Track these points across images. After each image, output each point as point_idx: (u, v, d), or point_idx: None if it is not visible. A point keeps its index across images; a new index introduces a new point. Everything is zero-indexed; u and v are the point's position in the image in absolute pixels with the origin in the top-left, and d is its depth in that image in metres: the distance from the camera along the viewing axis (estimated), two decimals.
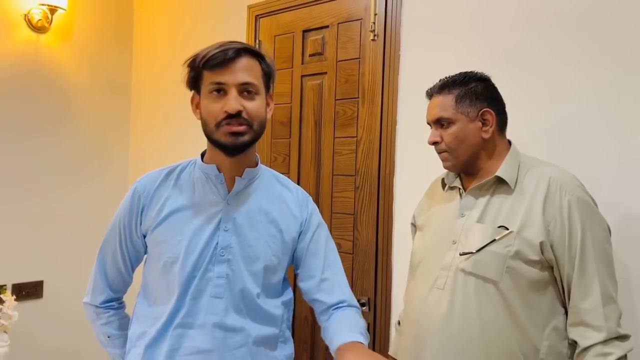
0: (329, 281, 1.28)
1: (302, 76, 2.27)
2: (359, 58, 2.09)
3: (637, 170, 1.47)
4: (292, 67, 2.29)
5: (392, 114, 1.98)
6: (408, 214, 1.66)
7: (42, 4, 2.58)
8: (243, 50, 1.18)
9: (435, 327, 1.29)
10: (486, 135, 1.33)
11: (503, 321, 1.23)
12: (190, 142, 2.63)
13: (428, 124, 1.40)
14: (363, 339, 1.14)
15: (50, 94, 2.72)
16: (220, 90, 1.16)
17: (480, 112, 1.33)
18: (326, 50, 2.20)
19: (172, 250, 1.20)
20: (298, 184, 2.24)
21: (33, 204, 2.66)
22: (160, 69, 2.90)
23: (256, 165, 1.29)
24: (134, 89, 3.07)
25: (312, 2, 2.22)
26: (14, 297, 2.33)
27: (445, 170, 1.48)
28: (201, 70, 1.18)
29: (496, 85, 1.38)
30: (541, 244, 1.22)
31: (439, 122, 1.35)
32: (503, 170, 1.31)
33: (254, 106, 1.18)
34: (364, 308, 2.03)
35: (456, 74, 1.36)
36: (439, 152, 1.37)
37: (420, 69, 1.91)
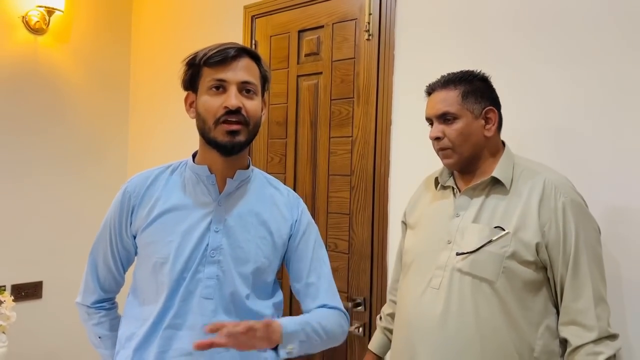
0: (314, 286, 1.29)
1: (298, 76, 2.27)
2: (353, 58, 2.09)
3: (626, 168, 1.47)
4: (287, 68, 2.29)
5: (387, 113, 1.98)
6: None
7: (40, 6, 2.59)
8: (244, 51, 1.20)
9: (430, 327, 1.29)
10: (489, 134, 1.34)
11: (499, 321, 1.24)
12: (188, 139, 2.64)
13: (428, 119, 1.39)
14: (293, 326, 1.15)
15: (49, 95, 2.73)
16: (220, 87, 1.17)
17: (484, 110, 1.33)
18: (321, 50, 2.20)
19: (162, 251, 1.21)
20: (294, 184, 2.25)
21: (32, 204, 2.67)
22: (157, 68, 2.91)
23: (248, 167, 1.30)
24: (132, 89, 3.08)
25: (307, 2, 2.23)
26: (12, 297, 2.33)
27: (438, 169, 1.49)
28: (201, 67, 1.19)
29: (488, 83, 1.38)
30: (537, 245, 1.23)
31: (442, 117, 1.33)
32: (499, 171, 1.31)
33: (252, 105, 1.19)
34: (359, 307, 2.03)
35: (458, 71, 1.36)
36: (440, 149, 1.35)
37: (414, 68, 1.91)
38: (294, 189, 2.24)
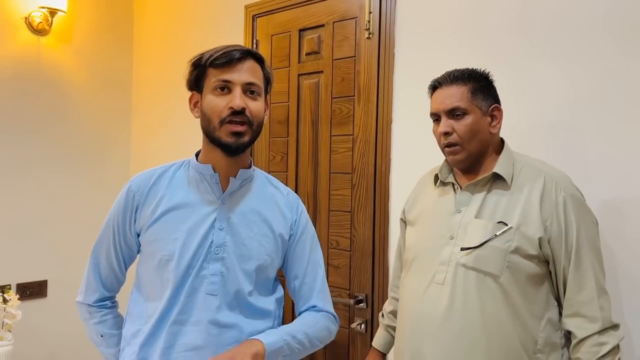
0: (307, 286, 1.33)
1: (299, 75, 2.28)
2: (354, 56, 2.10)
3: (622, 163, 1.49)
4: (288, 66, 2.31)
5: (388, 111, 1.99)
6: None
7: (42, 7, 2.61)
8: (249, 53, 1.22)
9: (435, 321, 1.30)
10: (494, 131, 1.36)
11: (504, 314, 1.25)
12: (190, 138, 2.66)
13: (435, 114, 1.39)
14: (276, 337, 1.20)
15: (52, 95, 2.75)
16: (225, 87, 1.19)
17: (491, 107, 1.35)
18: (322, 49, 2.22)
19: (167, 248, 1.22)
20: (296, 182, 2.27)
21: (36, 204, 2.69)
22: (159, 68, 2.93)
23: (249, 166, 1.32)
24: (134, 88, 3.09)
25: (307, 1, 2.24)
26: (18, 296, 2.36)
27: (436, 167, 1.50)
28: (207, 68, 1.21)
29: (493, 81, 1.40)
30: (540, 239, 1.25)
31: (452, 113, 1.33)
32: (500, 167, 1.33)
33: (256, 106, 1.21)
34: (361, 304, 2.05)
35: (464, 69, 1.37)
36: (447, 145, 1.35)
37: (414, 66, 1.92)
38: (296, 187, 2.25)
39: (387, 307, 1.67)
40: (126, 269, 1.37)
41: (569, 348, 1.29)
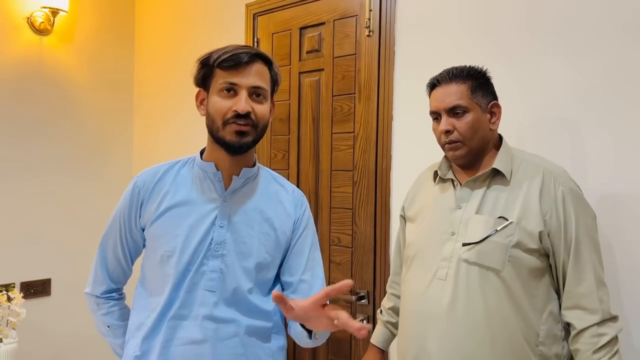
0: (306, 283, 1.31)
1: (300, 73, 2.29)
2: (355, 54, 2.11)
3: (623, 159, 1.50)
4: (289, 65, 2.32)
5: (388, 109, 2.00)
6: None
7: (44, 7, 2.62)
8: (257, 56, 1.22)
9: (439, 316, 1.31)
10: (494, 127, 1.37)
11: (507, 308, 1.27)
12: (192, 136, 2.68)
13: (434, 113, 1.39)
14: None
15: (54, 95, 2.76)
16: (231, 90, 1.19)
17: (490, 104, 1.36)
18: (323, 47, 2.23)
19: (169, 244, 1.24)
20: (297, 179, 2.28)
21: (40, 203, 2.71)
22: (161, 67, 2.94)
23: (253, 165, 1.33)
24: (136, 87, 3.11)
25: None
26: (22, 294, 2.37)
27: (435, 163, 1.51)
28: (214, 68, 1.21)
29: (491, 77, 1.40)
30: (540, 233, 1.27)
31: (453, 111, 1.34)
32: (499, 162, 1.34)
33: (261, 109, 1.22)
34: (363, 301, 2.06)
35: (463, 66, 1.38)
36: (448, 142, 1.35)
37: (415, 64, 1.93)
38: (297, 185, 2.26)
39: (386, 303, 1.68)
40: (132, 262, 1.39)
41: (568, 340, 1.30)
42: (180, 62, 2.82)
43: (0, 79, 2.56)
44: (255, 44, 2.44)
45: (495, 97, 1.39)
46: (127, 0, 3.07)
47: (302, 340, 1.24)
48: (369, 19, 2.04)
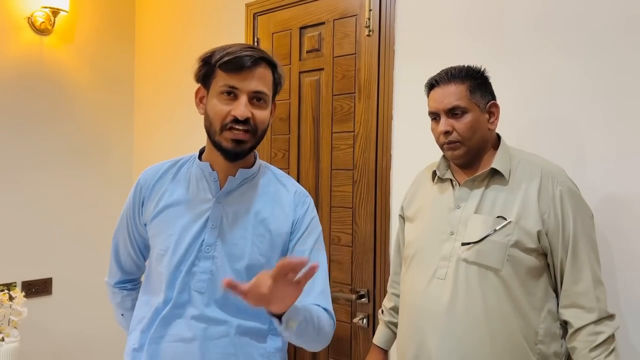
0: (307, 285, 1.21)
1: (300, 72, 2.30)
2: (354, 54, 2.12)
3: (623, 158, 1.50)
4: (289, 64, 2.32)
5: (388, 108, 2.01)
6: None
7: (45, 7, 2.63)
8: (261, 59, 1.19)
9: (438, 316, 1.32)
10: (492, 127, 1.38)
11: (506, 307, 1.27)
12: (192, 135, 2.68)
13: (433, 113, 1.39)
14: (298, 305, 1.10)
15: (55, 95, 2.77)
16: (231, 93, 1.17)
17: (489, 104, 1.37)
18: (323, 46, 2.23)
19: (163, 244, 1.25)
20: (298, 179, 2.28)
21: (41, 202, 2.72)
22: (161, 65, 2.95)
23: (252, 164, 1.30)
24: (136, 86, 3.11)
25: None
26: (24, 293, 2.38)
27: (433, 163, 1.51)
28: (215, 69, 1.18)
29: (490, 77, 1.41)
30: (538, 232, 1.28)
31: (452, 111, 1.34)
32: (498, 162, 1.34)
33: (261, 115, 1.20)
34: (363, 299, 2.07)
35: (461, 66, 1.38)
36: (447, 142, 1.36)
37: (414, 63, 1.93)
38: None
39: (387, 303, 1.68)
40: (144, 255, 1.41)
41: (566, 338, 1.31)
42: (180, 61, 2.82)
43: (1, 79, 2.57)
44: (255, 43, 2.44)
45: (493, 97, 1.40)
46: (128, 0, 3.08)
47: (284, 333, 1.14)
48: (369, 19, 2.04)
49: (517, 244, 1.27)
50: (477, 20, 1.79)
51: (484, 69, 1.39)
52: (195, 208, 1.26)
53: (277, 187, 1.33)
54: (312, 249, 1.29)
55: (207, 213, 1.25)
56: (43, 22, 2.66)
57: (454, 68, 1.37)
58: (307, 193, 1.36)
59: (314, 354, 2.24)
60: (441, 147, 1.40)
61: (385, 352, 1.66)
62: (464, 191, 1.38)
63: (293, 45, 2.32)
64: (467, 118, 1.33)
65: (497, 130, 1.42)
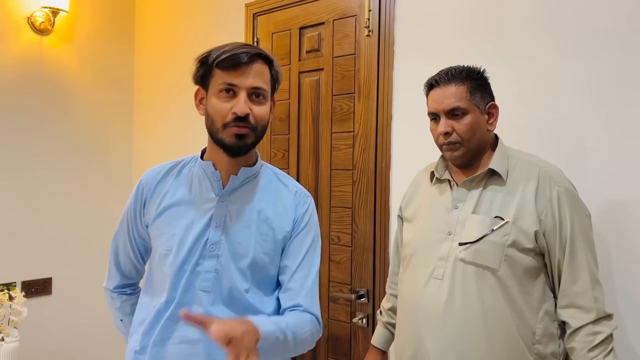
0: (297, 283, 1.26)
1: (300, 73, 2.30)
2: (354, 54, 2.12)
3: (622, 159, 1.50)
4: (289, 64, 2.32)
5: (388, 108, 2.01)
6: None
7: (45, 7, 2.63)
8: (257, 56, 1.20)
9: (436, 315, 1.32)
10: (491, 128, 1.38)
11: (503, 307, 1.28)
12: (191, 134, 2.69)
13: (433, 114, 1.39)
14: (268, 325, 1.10)
15: (55, 95, 2.77)
16: (230, 90, 1.18)
17: (488, 105, 1.37)
18: (322, 46, 2.23)
19: (166, 244, 1.25)
20: (297, 179, 2.29)
21: (40, 201, 2.72)
22: (161, 65, 2.95)
23: (254, 164, 1.31)
24: (136, 86, 3.12)
25: None
26: (23, 293, 2.38)
27: (431, 164, 1.52)
28: (213, 68, 1.19)
29: (490, 77, 1.41)
30: (535, 232, 1.28)
31: (452, 112, 1.34)
32: (496, 163, 1.35)
33: (260, 111, 1.21)
34: (362, 299, 2.07)
35: (461, 66, 1.37)
36: (447, 143, 1.36)
37: (414, 63, 1.94)
38: None
39: (385, 304, 1.69)
40: (143, 259, 1.41)
41: (564, 338, 1.31)
42: (179, 61, 2.82)
43: (0, 79, 2.57)
44: (255, 43, 2.45)
45: (492, 98, 1.40)
46: (127, 0, 3.08)
47: None
48: (369, 19, 2.05)
49: (514, 244, 1.27)
50: (476, 21, 1.79)
51: (484, 69, 1.39)
52: (198, 207, 1.26)
53: (278, 186, 1.34)
54: (309, 247, 1.30)
55: (211, 212, 1.25)
56: (43, 22, 2.66)
57: (454, 68, 1.37)
58: (308, 193, 1.37)
59: (314, 354, 2.25)
60: (440, 147, 1.40)
61: (383, 353, 1.66)
62: (461, 191, 1.38)
63: (293, 45, 2.32)
64: (467, 119, 1.33)
65: (496, 131, 1.42)
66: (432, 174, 1.48)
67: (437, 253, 1.36)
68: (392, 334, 1.63)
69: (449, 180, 1.43)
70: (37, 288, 2.69)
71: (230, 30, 2.55)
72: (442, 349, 1.31)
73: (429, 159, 1.59)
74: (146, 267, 1.35)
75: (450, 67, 1.38)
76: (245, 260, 1.24)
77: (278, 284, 1.32)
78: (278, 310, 1.30)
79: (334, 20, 2.18)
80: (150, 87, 3.03)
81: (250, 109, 1.18)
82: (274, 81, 1.26)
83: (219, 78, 1.19)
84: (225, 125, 1.19)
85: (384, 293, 1.98)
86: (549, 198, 1.28)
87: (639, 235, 1.47)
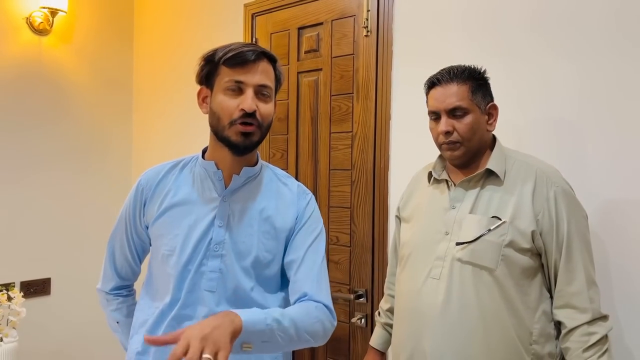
0: (302, 273, 1.25)
1: (298, 73, 2.30)
2: (353, 54, 2.12)
3: (621, 160, 1.50)
4: (288, 64, 2.33)
5: (386, 108, 2.01)
6: None
7: (43, 7, 2.63)
8: (263, 54, 1.21)
9: (433, 316, 1.32)
10: (491, 129, 1.38)
11: (500, 307, 1.28)
12: (190, 134, 2.69)
13: (433, 112, 1.38)
14: (256, 314, 1.06)
15: (54, 95, 2.77)
16: (237, 88, 1.18)
17: (488, 105, 1.37)
18: (321, 47, 2.23)
19: (169, 244, 1.25)
20: (296, 179, 2.27)
21: (39, 202, 2.72)
22: (160, 66, 2.95)
23: (255, 164, 1.32)
24: (135, 86, 3.12)
25: None
26: (22, 294, 2.38)
27: (429, 164, 1.52)
28: (219, 66, 1.20)
29: (489, 77, 1.41)
30: (532, 233, 1.28)
31: (453, 112, 1.34)
32: (493, 163, 1.35)
33: (266, 109, 1.21)
34: (361, 299, 2.07)
35: (462, 66, 1.37)
36: (447, 142, 1.35)
37: (412, 63, 1.94)
38: None
39: (384, 305, 1.69)
40: (141, 260, 1.41)
41: (559, 338, 1.31)
42: (178, 61, 2.82)
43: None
44: (254, 43, 2.45)
45: (492, 98, 1.40)
46: (126, 1, 3.08)
47: (240, 352, 1.07)
48: (367, 19, 2.05)
49: (511, 244, 1.28)
50: (474, 21, 1.79)
51: (485, 69, 1.39)
52: (201, 207, 1.26)
53: (279, 185, 1.34)
54: (313, 239, 1.29)
55: (214, 212, 1.25)
56: (41, 22, 2.66)
57: (456, 67, 1.36)
58: (308, 190, 1.38)
59: (313, 354, 2.25)
60: (439, 147, 1.40)
61: (382, 354, 1.67)
62: (459, 191, 1.38)
63: (291, 45, 2.32)
64: (468, 119, 1.33)
65: (493, 131, 1.42)
66: (430, 174, 1.48)
67: (435, 253, 1.36)
68: (391, 335, 1.63)
69: (446, 180, 1.43)
70: (36, 288, 2.69)
71: (229, 31, 2.55)
72: (439, 349, 1.31)
73: (427, 159, 1.59)
74: (149, 267, 1.34)
75: (452, 66, 1.38)
76: (249, 259, 1.25)
77: (282, 283, 1.32)
78: (283, 307, 1.28)
79: (332, 20, 2.18)
80: (149, 87, 3.03)
81: (257, 106, 1.19)
82: (277, 80, 1.27)
83: (226, 75, 1.19)
84: (232, 123, 1.19)
85: (383, 293, 1.98)
86: (546, 198, 1.29)
87: (635, 235, 1.47)
